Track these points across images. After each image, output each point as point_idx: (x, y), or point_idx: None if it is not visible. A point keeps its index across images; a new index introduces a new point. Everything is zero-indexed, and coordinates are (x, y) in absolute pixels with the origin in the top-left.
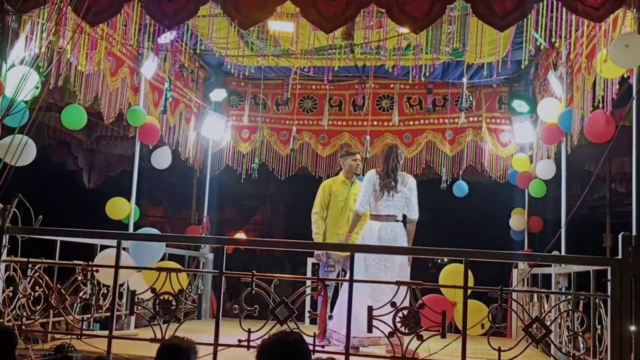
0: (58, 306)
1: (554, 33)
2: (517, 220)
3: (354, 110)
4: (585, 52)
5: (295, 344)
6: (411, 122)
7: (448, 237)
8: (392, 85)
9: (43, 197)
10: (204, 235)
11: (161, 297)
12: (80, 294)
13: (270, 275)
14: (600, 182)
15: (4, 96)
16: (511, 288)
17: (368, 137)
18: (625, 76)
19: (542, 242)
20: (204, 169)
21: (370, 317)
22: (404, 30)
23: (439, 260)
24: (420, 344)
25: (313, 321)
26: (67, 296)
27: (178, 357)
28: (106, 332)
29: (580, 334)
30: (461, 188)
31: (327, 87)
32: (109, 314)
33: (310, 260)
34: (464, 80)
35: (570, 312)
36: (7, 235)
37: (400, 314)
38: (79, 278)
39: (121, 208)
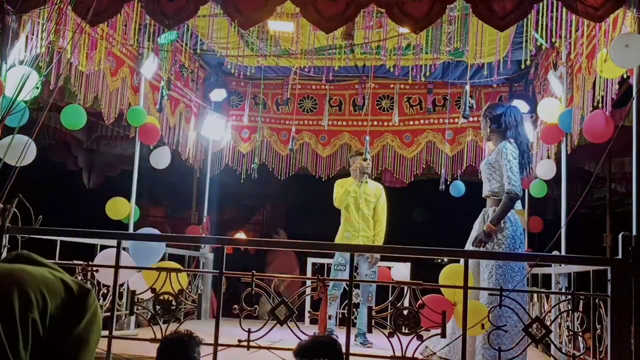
0: None
1: (554, 33)
2: None
3: (354, 110)
4: (585, 52)
5: (327, 342)
6: (411, 122)
7: (448, 237)
8: (392, 85)
9: (43, 197)
10: (204, 235)
11: (161, 297)
12: None
13: (270, 275)
14: (600, 182)
15: (4, 96)
16: (511, 288)
17: (368, 137)
18: (625, 76)
19: (542, 242)
20: (204, 169)
21: (370, 317)
22: (404, 30)
23: (440, 260)
24: (420, 343)
25: (313, 321)
26: None
27: (179, 351)
28: (106, 332)
29: (580, 334)
30: (457, 188)
31: (327, 87)
32: (109, 314)
33: (310, 260)
34: (467, 88)
35: (570, 312)
36: (7, 235)
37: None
38: (79, 278)
39: (121, 208)
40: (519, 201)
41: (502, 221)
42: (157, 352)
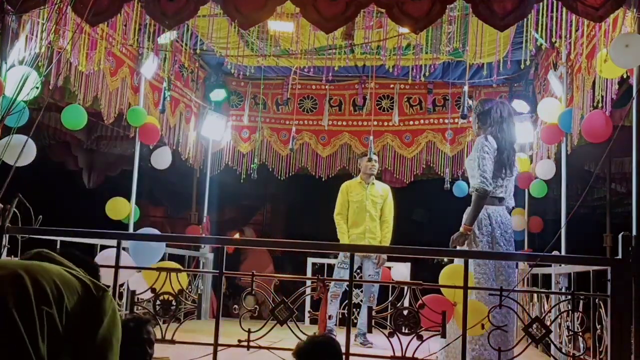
0: None
1: (554, 33)
2: (517, 220)
3: (354, 110)
4: (585, 52)
5: (325, 342)
6: (411, 122)
7: (448, 237)
8: (392, 85)
9: (43, 197)
10: (204, 235)
11: (161, 297)
12: None
13: (270, 275)
14: (600, 182)
15: (4, 96)
16: (511, 288)
17: (371, 138)
18: (625, 76)
19: (542, 242)
20: (204, 169)
21: (370, 317)
22: (404, 30)
23: (440, 260)
24: (420, 344)
25: (313, 321)
26: None
27: (129, 336)
28: None
29: (580, 334)
30: (460, 188)
31: (327, 87)
32: None
33: (310, 260)
34: (466, 88)
35: (570, 312)
36: (7, 235)
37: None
38: None
39: (121, 208)
40: (513, 200)
41: (479, 220)
42: None
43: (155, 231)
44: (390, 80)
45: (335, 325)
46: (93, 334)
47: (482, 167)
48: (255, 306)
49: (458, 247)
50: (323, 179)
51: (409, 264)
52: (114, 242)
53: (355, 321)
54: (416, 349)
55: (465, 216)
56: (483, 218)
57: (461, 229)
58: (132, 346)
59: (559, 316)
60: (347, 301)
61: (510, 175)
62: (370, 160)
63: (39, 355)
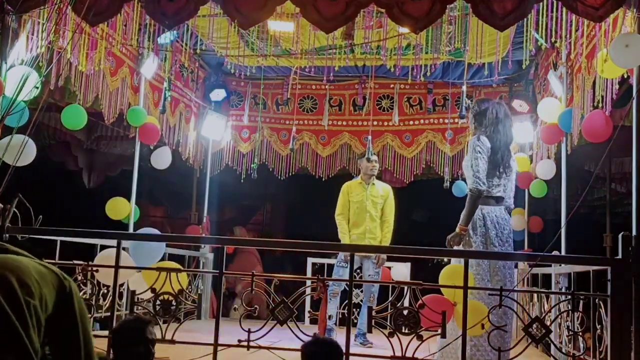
0: None
1: (554, 33)
2: (517, 220)
3: (354, 110)
4: (585, 52)
5: (326, 343)
6: (411, 122)
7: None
8: (392, 85)
9: (43, 197)
10: (204, 235)
11: (161, 297)
12: (80, 294)
13: (271, 275)
14: (600, 182)
15: (4, 96)
16: (511, 288)
17: (370, 137)
18: (625, 76)
19: (542, 242)
20: (204, 169)
21: (370, 317)
22: (404, 30)
23: (440, 260)
24: (420, 344)
25: (313, 321)
26: None
27: (133, 334)
28: (106, 332)
29: (580, 334)
30: (460, 188)
31: (327, 87)
32: (109, 314)
33: (310, 260)
34: (464, 88)
35: (570, 312)
36: (7, 235)
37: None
38: (79, 278)
39: (121, 208)
40: (512, 201)
41: (474, 220)
42: (112, 343)
43: (155, 231)
44: (390, 80)
45: (335, 325)
46: (74, 331)
47: (474, 167)
48: (255, 306)
49: (455, 247)
50: (323, 179)
51: (409, 264)
52: (114, 242)
53: (355, 321)
54: (416, 349)
55: (461, 216)
56: (477, 219)
57: (457, 229)
58: (137, 346)
59: (559, 316)
60: (347, 301)
61: (506, 175)
62: (369, 160)
63: (34, 348)
